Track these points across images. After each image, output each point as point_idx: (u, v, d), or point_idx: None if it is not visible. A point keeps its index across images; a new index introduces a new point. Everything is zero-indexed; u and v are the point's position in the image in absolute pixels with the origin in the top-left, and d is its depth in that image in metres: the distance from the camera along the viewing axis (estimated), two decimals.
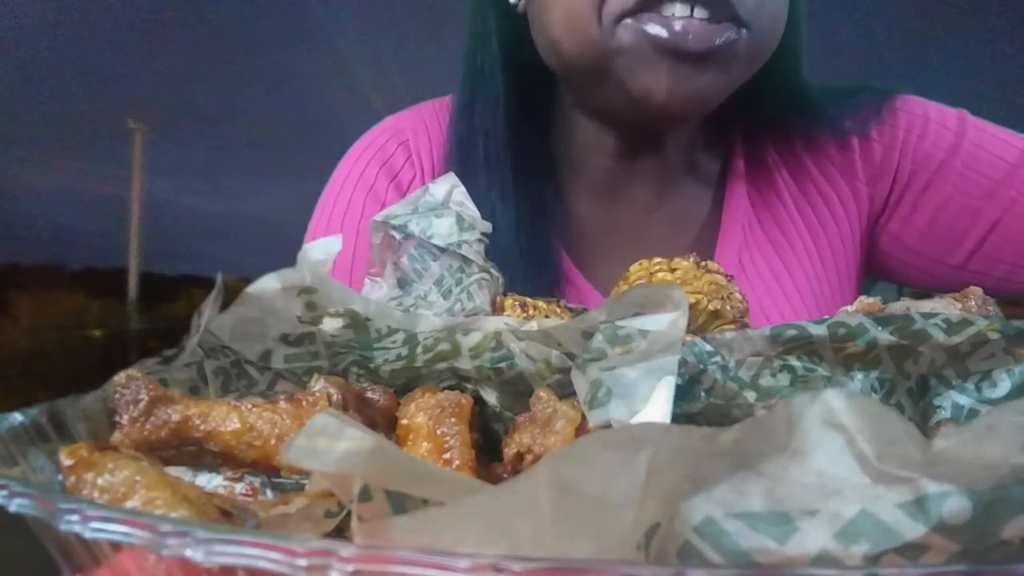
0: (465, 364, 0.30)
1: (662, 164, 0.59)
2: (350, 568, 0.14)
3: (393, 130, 0.62)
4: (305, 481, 0.26)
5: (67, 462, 0.20)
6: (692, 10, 0.45)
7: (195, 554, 0.15)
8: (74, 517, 0.17)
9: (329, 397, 0.26)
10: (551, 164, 0.60)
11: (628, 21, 0.46)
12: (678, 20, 0.45)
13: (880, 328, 0.27)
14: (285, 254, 0.31)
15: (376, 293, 0.38)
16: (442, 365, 0.30)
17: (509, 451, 0.26)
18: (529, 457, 0.26)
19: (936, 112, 0.60)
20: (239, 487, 0.28)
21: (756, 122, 0.62)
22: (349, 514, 0.16)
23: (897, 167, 0.59)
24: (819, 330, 0.28)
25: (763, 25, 0.48)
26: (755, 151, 0.63)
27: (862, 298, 0.35)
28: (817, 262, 0.60)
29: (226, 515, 0.20)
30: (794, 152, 0.62)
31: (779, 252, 0.60)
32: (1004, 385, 0.28)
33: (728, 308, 0.34)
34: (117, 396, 0.24)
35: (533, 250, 0.55)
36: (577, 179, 0.60)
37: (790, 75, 0.57)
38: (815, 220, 0.61)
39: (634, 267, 0.37)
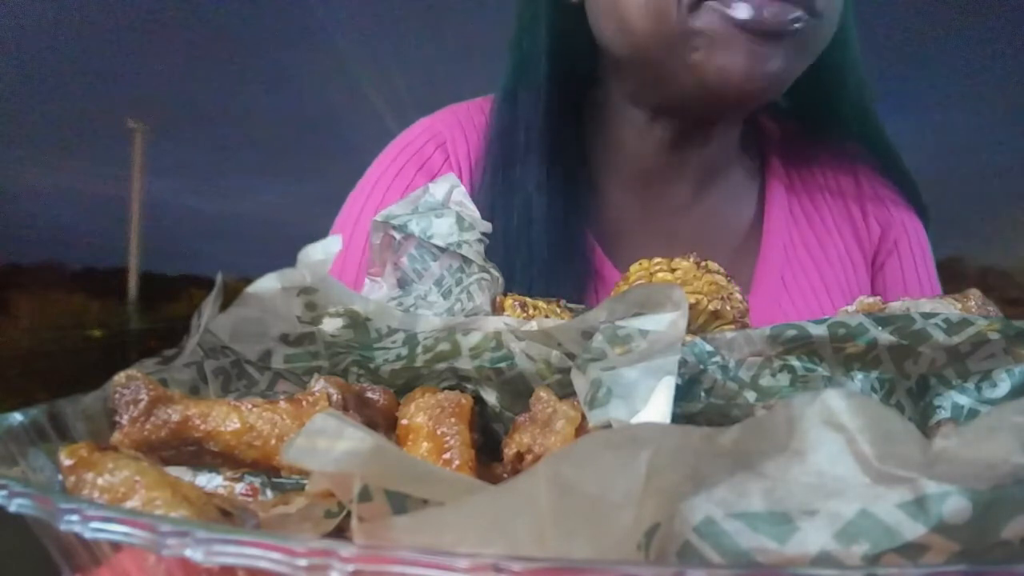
0: (465, 364, 0.30)
1: (704, 160, 0.59)
2: (350, 568, 0.14)
3: (431, 132, 0.61)
4: (305, 481, 0.26)
5: (67, 462, 0.20)
6: None
7: (195, 554, 0.15)
8: (74, 517, 0.17)
9: (329, 397, 0.26)
10: (587, 158, 0.60)
11: (709, 3, 0.46)
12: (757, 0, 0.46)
13: (880, 328, 0.27)
14: (285, 254, 0.31)
15: (376, 293, 0.38)
16: (442, 365, 0.30)
17: (509, 451, 0.26)
18: (529, 457, 0.26)
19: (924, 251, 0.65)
20: (239, 487, 0.28)
21: (808, 141, 0.64)
22: (349, 514, 0.16)
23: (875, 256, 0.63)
24: (819, 330, 0.28)
25: (823, 11, 0.49)
26: (799, 169, 0.64)
27: (862, 298, 0.35)
28: (854, 282, 0.61)
29: (226, 515, 0.20)
30: (839, 179, 0.64)
31: (820, 270, 0.61)
32: (1004, 385, 0.28)
33: (728, 308, 0.34)
34: (117, 396, 0.24)
35: (565, 243, 0.55)
36: (617, 172, 0.60)
37: (860, 98, 0.60)
38: (853, 241, 0.62)
39: (634, 267, 0.37)
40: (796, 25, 0.46)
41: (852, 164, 0.64)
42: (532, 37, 0.57)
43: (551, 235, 0.55)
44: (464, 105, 0.64)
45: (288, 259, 0.30)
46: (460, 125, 0.62)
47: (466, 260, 0.37)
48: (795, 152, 0.64)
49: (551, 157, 0.56)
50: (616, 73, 0.57)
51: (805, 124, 0.64)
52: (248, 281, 0.30)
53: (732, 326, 0.34)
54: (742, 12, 0.46)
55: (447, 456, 0.25)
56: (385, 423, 0.28)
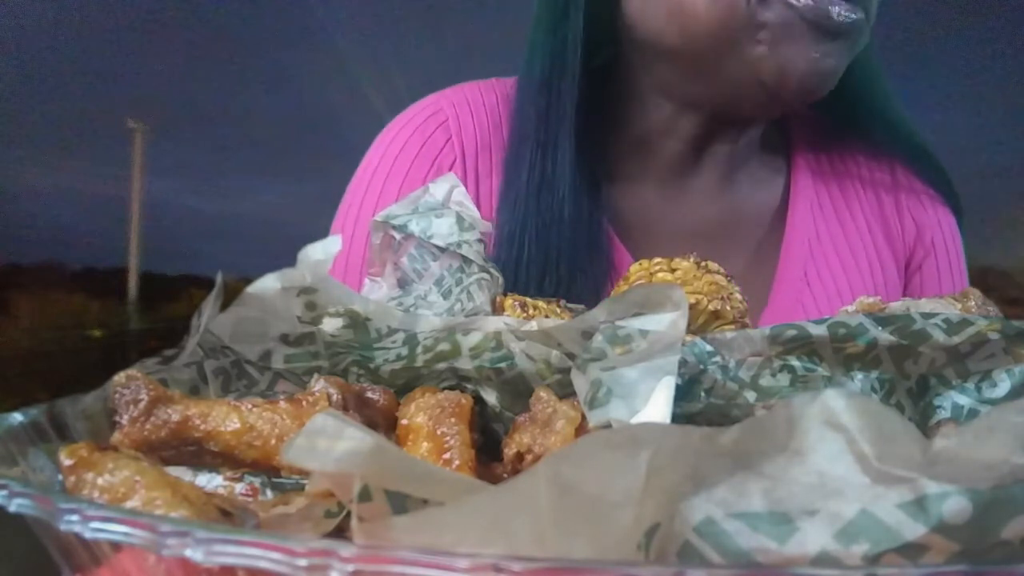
0: (465, 364, 0.30)
1: (730, 154, 0.59)
2: (350, 568, 0.14)
3: (433, 108, 0.60)
4: (305, 481, 0.26)
5: (67, 462, 0.20)
6: None
7: (195, 554, 0.15)
8: (74, 517, 0.17)
9: (329, 397, 0.26)
10: (608, 149, 0.59)
11: None
12: None
13: (880, 328, 0.27)
14: (285, 254, 0.31)
15: (376, 293, 0.38)
16: (442, 365, 0.30)
17: (509, 451, 0.26)
18: (529, 457, 0.26)
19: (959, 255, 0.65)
20: (239, 487, 0.28)
21: (838, 135, 0.63)
22: (349, 514, 0.16)
23: (912, 254, 0.63)
24: (819, 330, 0.28)
25: (868, 11, 0.49)
26: (830, 155, 0.63)
27: (862, 298, 0.35)
28: (880, 282, 0.61)
29: (226, 515, 0.20)
30: (873, 172, 0.63)
31: (845, 268, 0.60)
32: (1004, 385, 0.28)
33: (728, 308, 0.34)
34: (117, 396, 0.24)
35: (586, 237, 0.55)
36: (639, 165, 0.59)
37: (885, 97, 0.60)
38: (884, 240, 0.62)
39: (634, 267, 0.37)
40: (855, 22, 0.47)
41: (888, 155, 0.63)
42: (569, 25, 0.55)
43: (576, 229, 0.54)
44: (475, 83, 0.62)
45: (288, 259, 0.30)
46: (468, 103, 0.60)
47: (466, 260, 0.37)
48: (827, 139, 0.63)
49: (579, 149, 0.55)
50: (647, 64, 0.55)
51: (835, 123, 0.64)
52: (248, 281, 0.30)
53: (732, 326, 0.34)
54: (810, 3, 0.46)
55: (447, 456, 0.25)
56: (385, 423, 0.28)
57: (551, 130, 0.55)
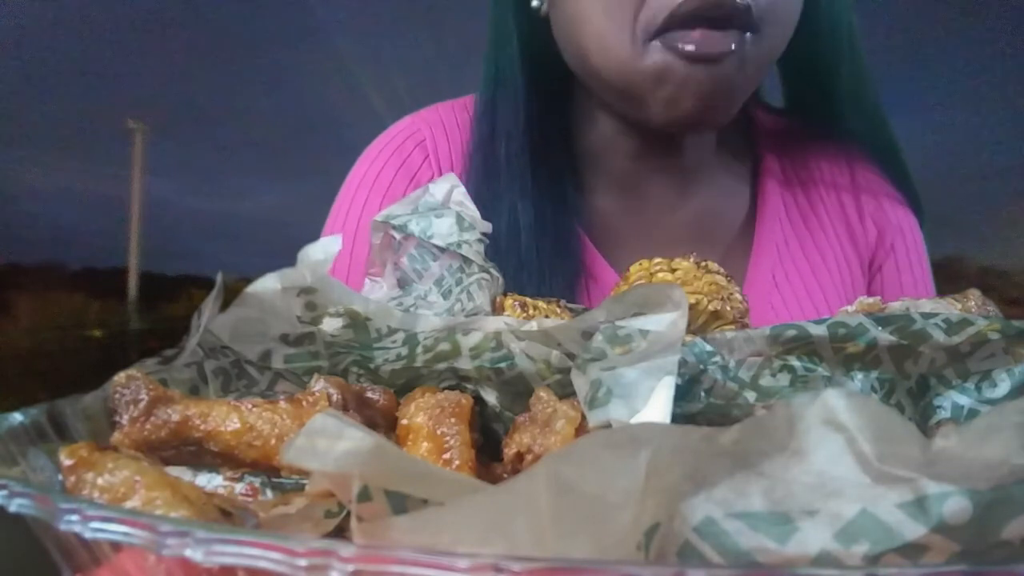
0: (465, 364, 0.30)
1: (680, 164, 0.60)
2: (350, 568, 0.14)
3: (411, 130, 0.62)
4: (305, 481, 0.26)
5: (67, 462, 0.20)
6: (712, 23, 0.46)
7: (195, 554, 0.15)
8: (74, 517, 0.17)
9: (329, 397, 0.26)
10: (573, 159, 0.61)
11: (658, 42, 0.47)
12: (699, 32, 0.46)
13: (880, 328, 0.27)
14: (285, 254, 0.31)
15: (376, 293, 0.38)
16: (442, 365, 0.30)
17: (509, 451, 0.26)
18: (529, 457, 0.26)
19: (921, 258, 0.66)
20: (239, 487, 0.28)
21: (804, 142, 0.64)
22: (349, 514, 0.16)
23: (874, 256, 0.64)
24: (819, 330, 0.28)
25: (764, 22, 0.49)
26: (795, 163, 0.64)
27: (862, 298, 0.35)
28: (848, 283, 0.61)
29: (226, 515, 0.20)
30: (835, 177, 0.64)
31: (814, 270, 0.61)
32: (1004, 385, 0.28)
33: (728, 308, 0.34)
34: (117, 396, 0.24)
35: (555, 244, 0.56)
36: (599, 174, 0.61)
37: (865, 98, 0.60)
38: (848, 241, 0.63)
39: (634, 267, 0.37)
40: (738, 47, 0.47)
41: (848, 158, 0.64)
42: (506, 51, 0.58)
43: (539, 238, 0.55)
44: (449, 103, 0.64)
45: (288, 259, 0.30)
46: (442, 123, 0.62)
47: (466, 260, 0.37)
48: (791, 146, 0.64)
49: (536, 161, 0.57)
50: (585, 85, 0.58)
51: (803, 119, 0.64)
52: (248, 281, 0.30)
53: (732, 326, 0.34)
54: (689, 47, 0.46)
55: (447, 456, 0.25)
56: (385, 423, 0.28)
57: (500, 147, 0.57)
